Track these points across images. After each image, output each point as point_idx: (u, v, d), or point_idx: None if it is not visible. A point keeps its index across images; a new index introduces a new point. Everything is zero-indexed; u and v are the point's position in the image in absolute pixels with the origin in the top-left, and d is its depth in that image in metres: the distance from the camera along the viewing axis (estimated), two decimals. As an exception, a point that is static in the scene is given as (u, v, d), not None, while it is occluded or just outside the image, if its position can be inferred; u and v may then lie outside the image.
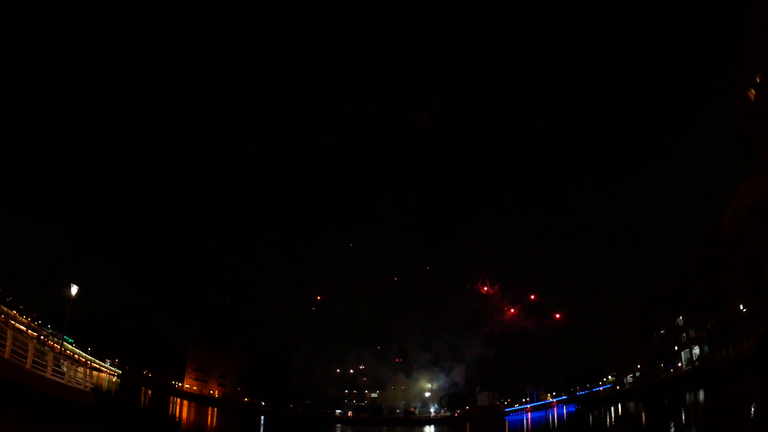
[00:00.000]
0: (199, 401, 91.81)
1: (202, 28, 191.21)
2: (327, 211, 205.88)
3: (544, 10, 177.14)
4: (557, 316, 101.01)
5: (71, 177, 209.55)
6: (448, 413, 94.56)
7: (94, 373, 70.18)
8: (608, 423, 55.01)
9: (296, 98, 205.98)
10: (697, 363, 56.32)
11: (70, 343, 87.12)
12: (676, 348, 64.33)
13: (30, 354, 17.77)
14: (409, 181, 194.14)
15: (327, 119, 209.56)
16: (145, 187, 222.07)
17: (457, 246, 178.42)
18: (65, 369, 21.41)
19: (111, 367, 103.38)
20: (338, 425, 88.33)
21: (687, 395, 47.41)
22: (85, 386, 23.35)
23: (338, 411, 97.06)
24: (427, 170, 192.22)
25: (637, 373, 78.61)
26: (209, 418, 68.28)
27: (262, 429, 71.10)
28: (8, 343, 16.62)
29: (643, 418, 50.95)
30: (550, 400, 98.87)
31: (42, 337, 73.79)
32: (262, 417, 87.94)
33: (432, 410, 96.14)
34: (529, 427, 71.15)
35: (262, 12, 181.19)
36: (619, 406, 65.35)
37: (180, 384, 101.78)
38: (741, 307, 45.25)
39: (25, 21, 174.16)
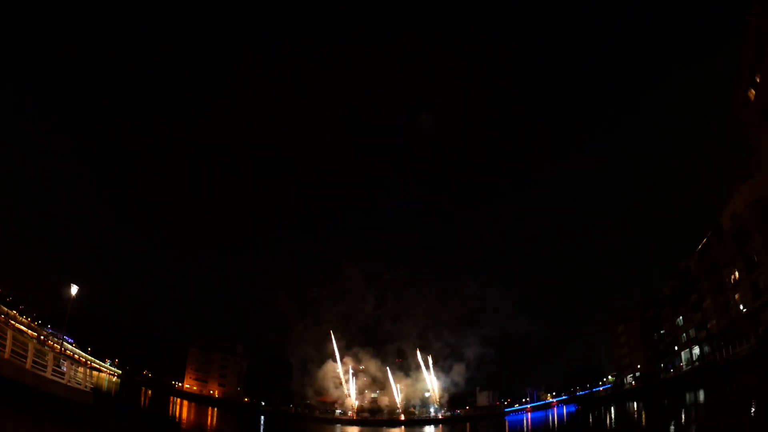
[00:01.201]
0: (199, 401, 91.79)
1: (203, 29, 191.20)
2: (327, 211, 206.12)
3: (545, 11, 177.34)
4: None
5: (71, 177, 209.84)
6: (447, 413, 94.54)
7: (94, 373, 70.06)
8: (608, 423, 54.97)
9: (296, 98, 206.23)
10: (697, 363, 56.31)
11: (70, 343, 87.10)
12: (676, 348, 64.35)
13: (30, 354, 17.76)
14: (409, 180, 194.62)
15: (327, 119, 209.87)
16: (146, 187, 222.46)
17: (456, 245, 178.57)
18: (65, 369, 21.40)
19: (111, 367, 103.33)
20: (338, 425, 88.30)
21: (687, 395, 47.39)
22: (85, 386, 23.32)
23: (338, 411, 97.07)
24: (427, 170, 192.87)
25: (637, 373, 78.64)
26: (209, 418, 68.25)
27: (262, 429, 71.10)
28: (8, 343, 16.61)
29: (643, 418, 50.93)
30: (550, 400, 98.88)
31: (42, 337, 73.76)
32: (262, 417, 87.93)
33: (432, 410, 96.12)
34: (529, 427, 71.07)
35: (263, 13, 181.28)
36: (619, 406, 65.31)
37: (180, 384, 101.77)
38: (741, 307, 45.25)
39: (27, 22, 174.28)
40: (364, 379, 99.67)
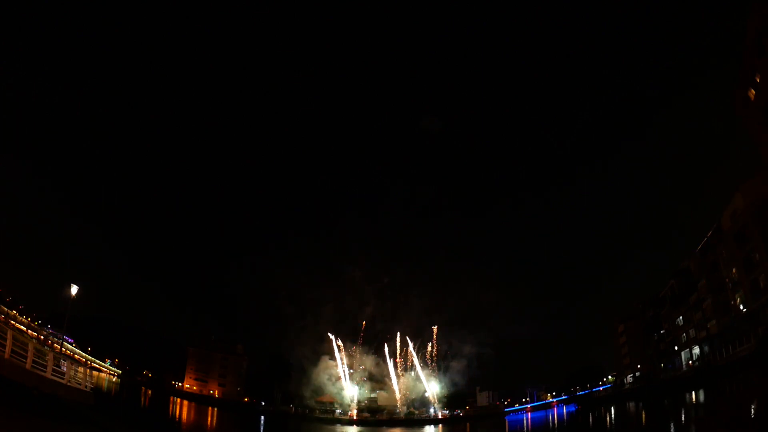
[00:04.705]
0: (199, 401, 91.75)
1: (203, 30, 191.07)
2: (326, 213, 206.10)
3: (547, 12, 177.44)
4: None
5: (70, 176, 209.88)
6: (447, 413, 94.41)
7: (94, 373, 70.03)
8: (608, 423, 54.97)
9: (297, 100, 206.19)
10: (697, 363, 56.32)
11: (70, 343, 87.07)
12: (676, 348, 64.34)
13: (30, 354, 17.76)
14: (409, 181, 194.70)
15: (328, 121, 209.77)
16: (146, 187, 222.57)
17: (456, 245, 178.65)
18: (65, 369, 21.40)
19: (111, 367, 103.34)
20: (338, 425, 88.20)
21: (687, 395, 47.39)
22: (85, 386, 23.33)
23: (338, 411, 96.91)
24: (428, 171, 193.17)
25: (637, 373, 78.63)
26: (209, 418, 68.27)
27: (262, 429, 71.11)
28: (8, 343, 16.61)
29: (643, 418, 50.92)
30: (550, 400, 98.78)
31: (42, 337, 73.76)
32: (262, 417, 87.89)
33: (432, 410, 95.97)
34: (529, 427, 71.07)
35: (266, 14, 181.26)
36: (619, 406, 65.30)
37: (180, 384, 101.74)
38: (741, 307, 45.25)
39: (28, 23, 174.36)
40: (362, 378, 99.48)
